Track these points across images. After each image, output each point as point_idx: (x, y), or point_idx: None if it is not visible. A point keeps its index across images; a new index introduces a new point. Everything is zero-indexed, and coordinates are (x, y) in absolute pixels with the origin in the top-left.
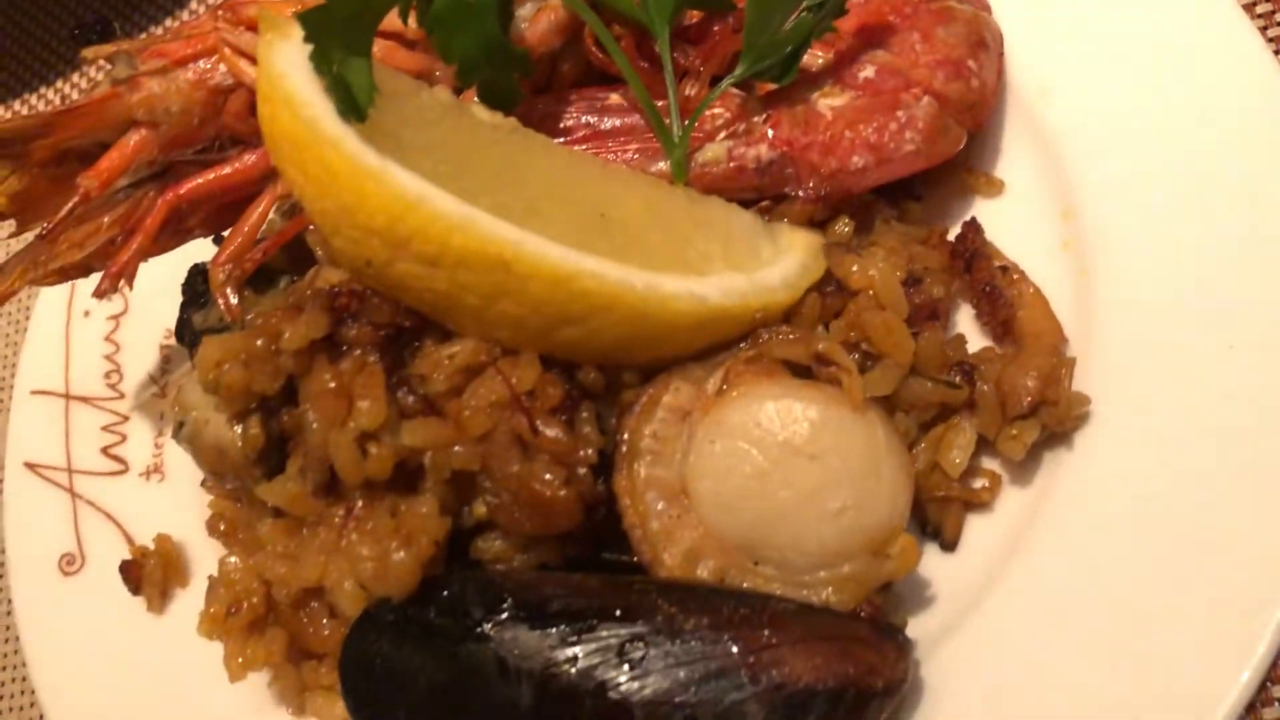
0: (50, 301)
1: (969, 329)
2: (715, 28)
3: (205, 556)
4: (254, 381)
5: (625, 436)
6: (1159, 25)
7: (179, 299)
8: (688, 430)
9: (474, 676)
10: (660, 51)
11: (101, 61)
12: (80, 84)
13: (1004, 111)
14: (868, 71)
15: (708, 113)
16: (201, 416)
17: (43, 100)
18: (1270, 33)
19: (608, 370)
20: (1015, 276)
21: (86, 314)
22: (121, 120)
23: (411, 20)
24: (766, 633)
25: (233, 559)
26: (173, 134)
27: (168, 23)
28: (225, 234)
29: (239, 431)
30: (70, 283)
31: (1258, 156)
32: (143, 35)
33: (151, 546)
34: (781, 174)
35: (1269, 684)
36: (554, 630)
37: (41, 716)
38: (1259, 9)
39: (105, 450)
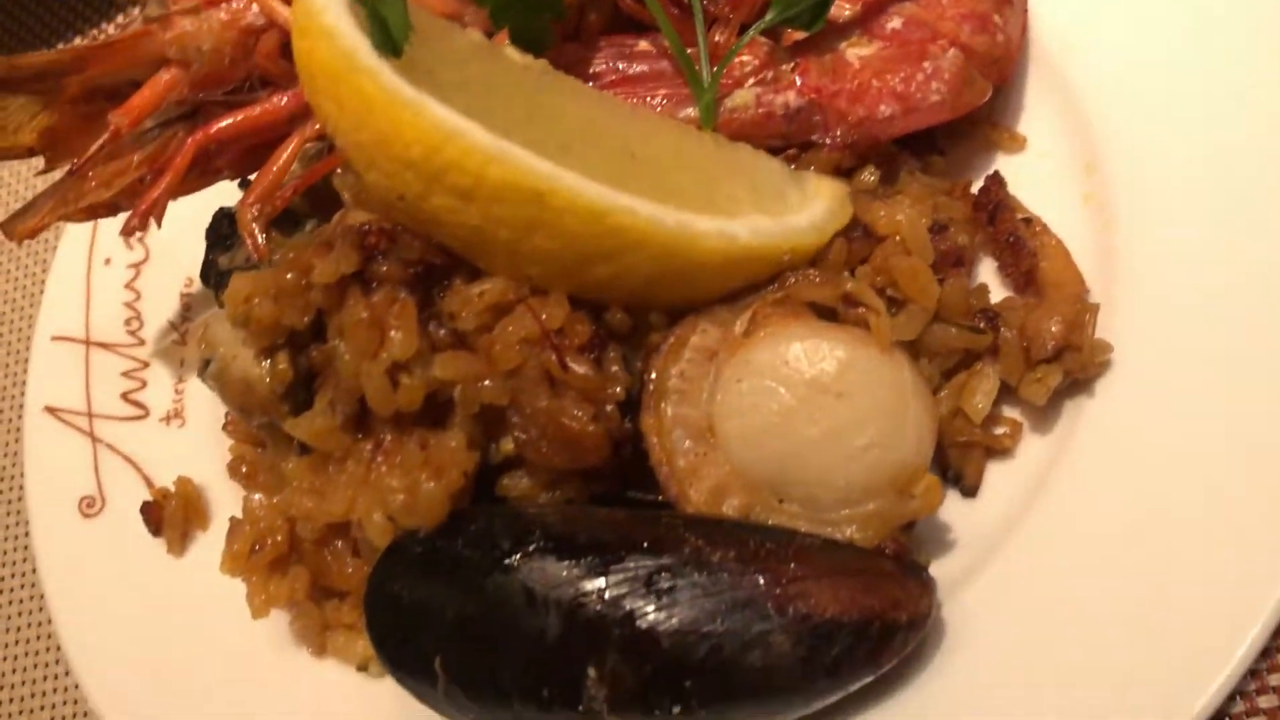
0: (71, 248)
1: (991, 283)
2: None
3: (224, 501)
4: (283, 316)
5: (652, 376)
6: None
7: (200, 248)
8: (714, 370)
9: (501, 607)
10: None
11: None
12: (109, 30)
13: (1027, 67)
14: (895, 23)
15: (736, 60)
16: (229, 352)
17: (81, 40)
18: None
19: (634, 312)
20: (1038, 228)
21: (107, 262)
22: (153, 58)
23: None
24: (792, 566)
25: (257, 496)
26: (203, 73)
27: None
28: (251, 178)
29: (266, 366)
30: (91, 231)
31: None
32: None
33: (172, 489)
34: (809, 121)
35: None
36: (582, 561)
37: (59, 649)
38: None
39: (125, 396)
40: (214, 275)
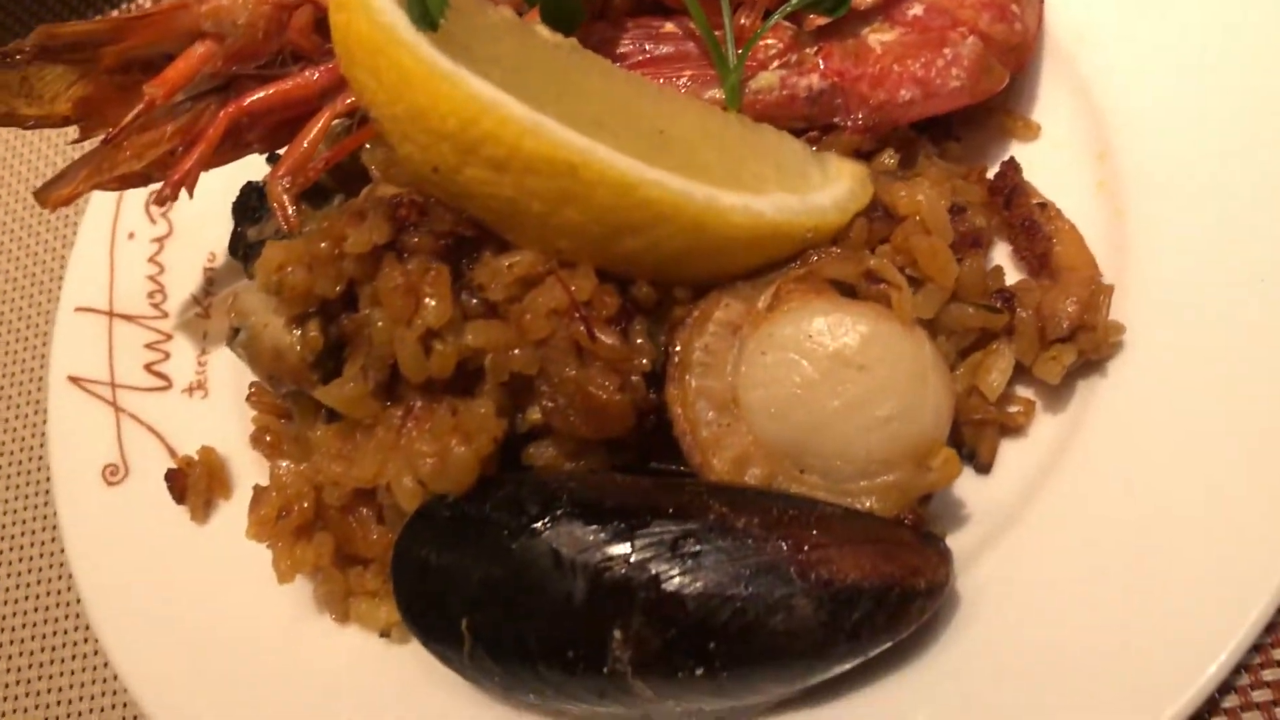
0: (95, 222)
1: (1005, 266)
2: None
3: (246, 471)
4: (316, 285)
5: (677, 349)
6: None
7: (223, 224)
8: (738, 344)
9: (528, 570)
10: None
11: None
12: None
13: (1041, 57)
14: (916, 9)
15: (761, 43)
16: (260, 321)
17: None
18: None
19: (659, 287)
20: (1052, 213)
21: (131, 235)
22: (189, 31)
23: None
24: (815, 533)
25: (285, 464)
26: (237, 46)
27: None
28: (281, 152)
29: (297, 335)
30: (115, 205)
31: None
32: None
33: (196, 458)
34: (831, 104)
35: None
36: (609, 526)
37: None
38: None
39: (148, 367)
40: (242, 247)
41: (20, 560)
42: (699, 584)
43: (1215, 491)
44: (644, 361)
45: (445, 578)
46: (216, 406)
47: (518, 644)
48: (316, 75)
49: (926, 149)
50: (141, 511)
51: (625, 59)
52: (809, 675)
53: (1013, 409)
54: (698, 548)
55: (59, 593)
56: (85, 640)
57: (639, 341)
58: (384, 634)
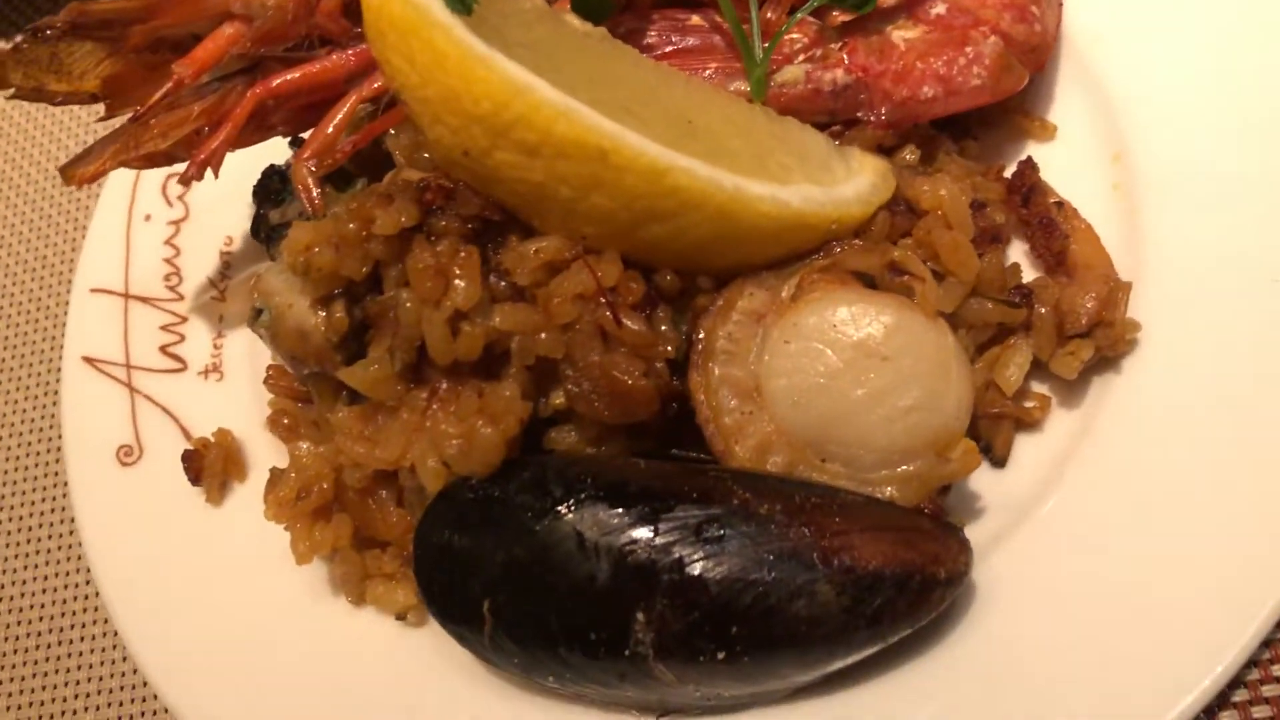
0: (111, 204)
1: (1021, 264)
2: None
3: (261, 454)
4: (342, 265)
5: (701, 336)
6: None
7: (240, 209)
8: (762, 332)
9: (552, 552)
10: None
11: None
12: None
13: (1058, 59)
14: (939, 8)
15: (786, 37)
16: (284, 301)
17: None
18: None
19: (682, 276)
20: (1069, 212)
21: (147, 218)
22: (218, 11)
23: None
24: (837, 520)
25: (304, 445)
26: (266, 29)
27: None
28: (304, 136)
29: (322, 316)
30: (131, 187)
31: None
32: None
33: (212, 440)
34: (855, 99)
35: None
36: (633, 509)
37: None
38: None
39: (164, 349)
40: (264, 229)
41: (29, 541)
42: (723, 568)
43: (1226, 489)
44: (668, 348)
45: (467, 559)
46: (232, 389)
47: (539, 626)
48: (342, 60)
49: (947, 146)
50: (156, 492)
51: (651, 50)
52: (829, 661)
53: (1028, 404)
54: (721, 532)
55: (70, 573)
56: (96, 621)
57: (663, 328)
58: (400, 616)
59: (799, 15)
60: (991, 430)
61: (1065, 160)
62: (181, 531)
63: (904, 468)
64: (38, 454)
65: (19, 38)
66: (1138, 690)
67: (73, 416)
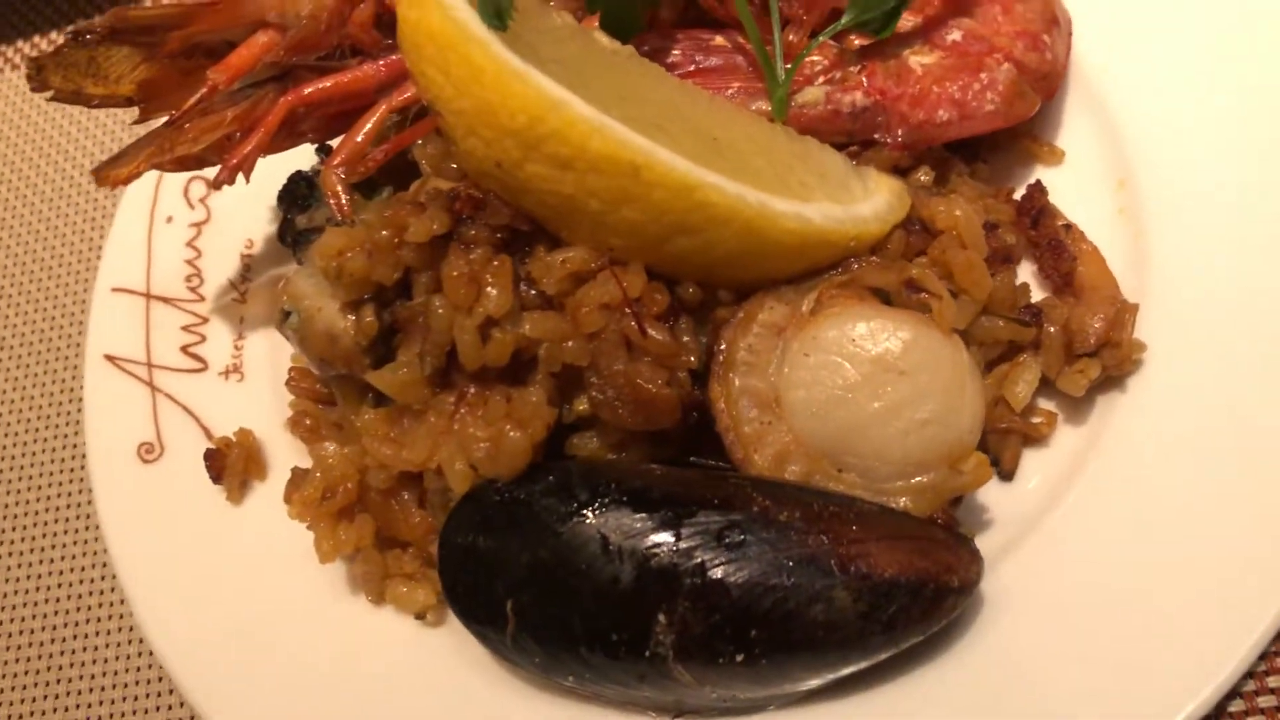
0: (133, 205)
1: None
2: None
3: (280, 455)
4: (374, 271)
5: (722, 347)
6: (1213, 10)
7: (261, 212)
8: (781, 345)
9: (576, 554)
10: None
11: None
12: None
13: (1067, 87)
14: (955, 35)
15: (807, 59)
16: (314, 305)
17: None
18: None
19: (704, 289)
20: (1076, 234)
21: (169, 220)
22: (253, 20)
23: None
24: (854, 528)
25: (330, 446)
26: (299, 38)
27: None
28: (330, 143)
29: (351, 320)
30: (154, 189)
31: None
32: None
33: (233, 439)
34: (873, 120)
35: None
36: (656, 514)
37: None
38: None
39: (185, 349)
40: (291, 234)
41: (50, 535)
42: (743, 573)
43: (1226, 505)
44: (690, 358)
45: (492, 560)
46: (252, 390)
47: (561, 626)
48: (373, 70)
49: (959, 168)
50: (177, 490)
51: (676, 68)
52: (843, 665)
53: (1035, 419)
54: (742, 538)
55: (89, 568)
56: (113, 616)
57: (685, 339)
58: (419, 616)
59: (820, 38)
60: (1000, 445)
61: (1072, 185)
62: (202, 528)
63: (918, 479)
64: (55, 450)
65: (60, 41)
66: (1138, 699)
67: (95, 413)
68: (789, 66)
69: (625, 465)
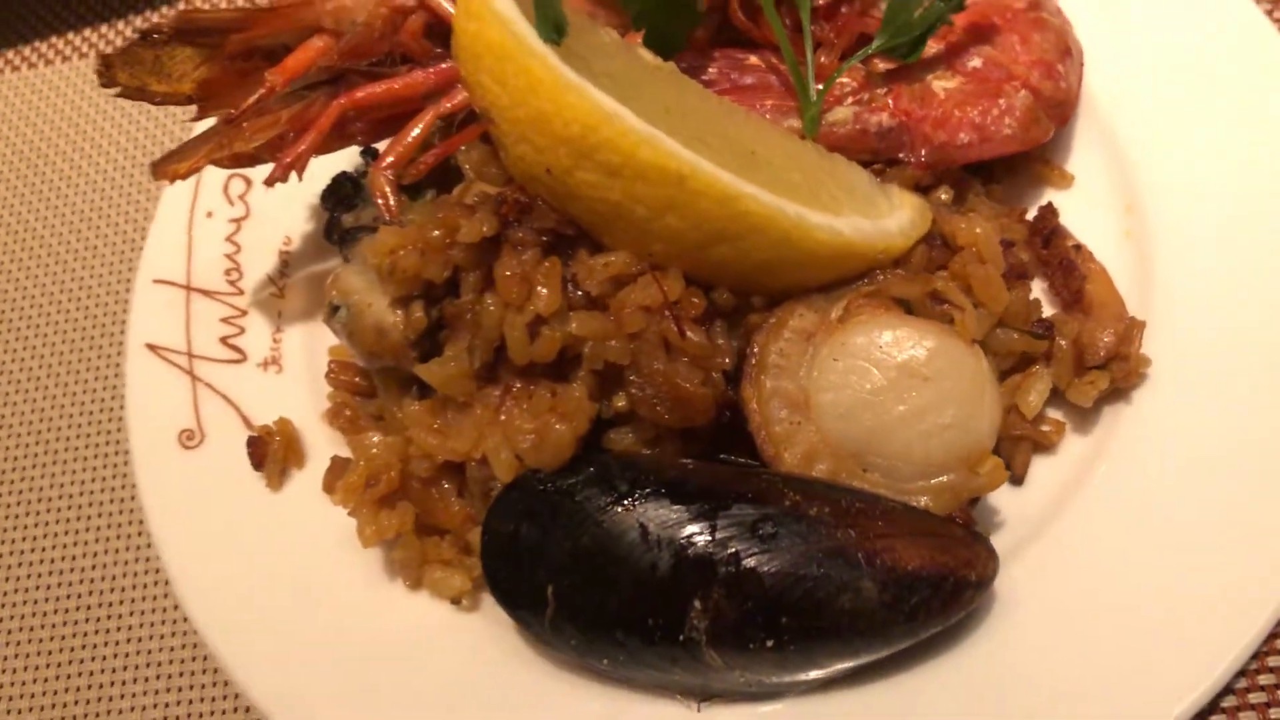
0: (174, 200)
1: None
2: (843, 9)
3: (316, 444)
4: (425, 269)
5: (755, 351)
6: (1217, 46)
7: (298, 210)
8: (811, 350)
9: (616, 542)
10: (802, 21)
11: None
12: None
13: (1077, 114)
14: (975, 62)
15: (837, 80)
16: (364, 300)
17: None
18: None
19: (737, 294)
20: (1085, 254)
21: (209, 215)
22: (310, 25)
23: None
24: (880, 524)
25: (375, 436)
26: (353, 44)
27: None
28: (375, 146)
29: (401, 315)
30: (194, 186)
31: None
32: None
33: (273, 428)
34: (898, 140)
35: None
36: (693, 506)
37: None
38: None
39: (224, 340)
40: (338, 232)
41: (99, 515)
42: (775, 563)
43: (1225, 512)
44: (725, 360)
45: (535, 546)
46: (289, 382)
47: (600, 610)
48: (423, 77)
49: (976, 188)
50: (217, 475)
51: (712, 85)
52: (866, 652)
53: (1045, 428)
54: (775, 530)
55: (135, 549)
56: (158, 596)
57: (720, 341)
58: (455, 601)
59: (852, 61)
60: (1011, 450)
61: (1080, 207)
62: (242, 513)
63: (938, 480)
64: (107, 433)
65: (129, 39)
66: (1136, 690)
67: (136, 400)
68: (820, 87)
69: (662, 459)
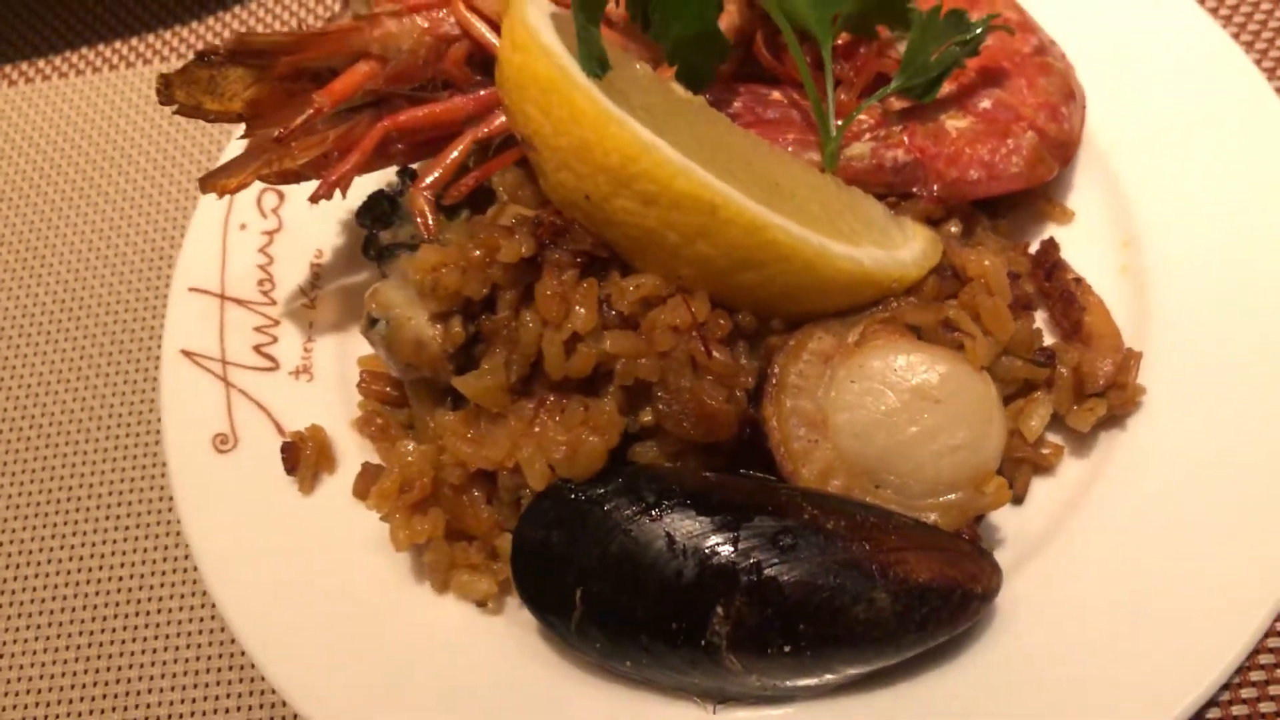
0: (208, 212)
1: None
2: (861, 49)
3: (345, 450)
4: (465, 286)
5: (775, 371)
6: (1208, 92)
7: (329, 225)
8: (829, 372)
9: (644, 549)
10: (824, 59)
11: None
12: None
13: (1079, 154)
14: (986, 103)
15: (856, 117)
16: (404, 314)
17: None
18: None
19: (759, 317)
20: (1085, 287)
21: (243, 227)
22: (357, 50)
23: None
24: (892, 538)
25: (410, 444)
26: (398, 69)
27: None
28: (413, 166)
29: (439, 329)
30: (228, 199)
31: None
32: None
33: (305, 434)
34: (912, 175)
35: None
36: (717, 517)
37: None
38: None
39: (257, 348)
40: (375, 249)
41: (130, 515)
42: (795, 573)
43: (1214, 532)
44: (748, 379)
45: (564, 552)
46: (320, 389)
47: (626, 615)
48: (464, 102)
49: (983, 222)
50: (250, 478)
51: (737, 118)
52: (878, 659)
53: (1045, 450)
54: (794, 541)
55: (169, 547)
56: (194, 594)
57: (742, 361)
58: (481, 604)
59: (871, 100)
60: (1012, 471)
61: (1080, 242)
62: (274, 515)
63: (947, 497)
64: (138, 435)
65: (188, 61)
66: (1130, 698)
67: (172, 403)
68: (840, 123)
69: (687, 472)
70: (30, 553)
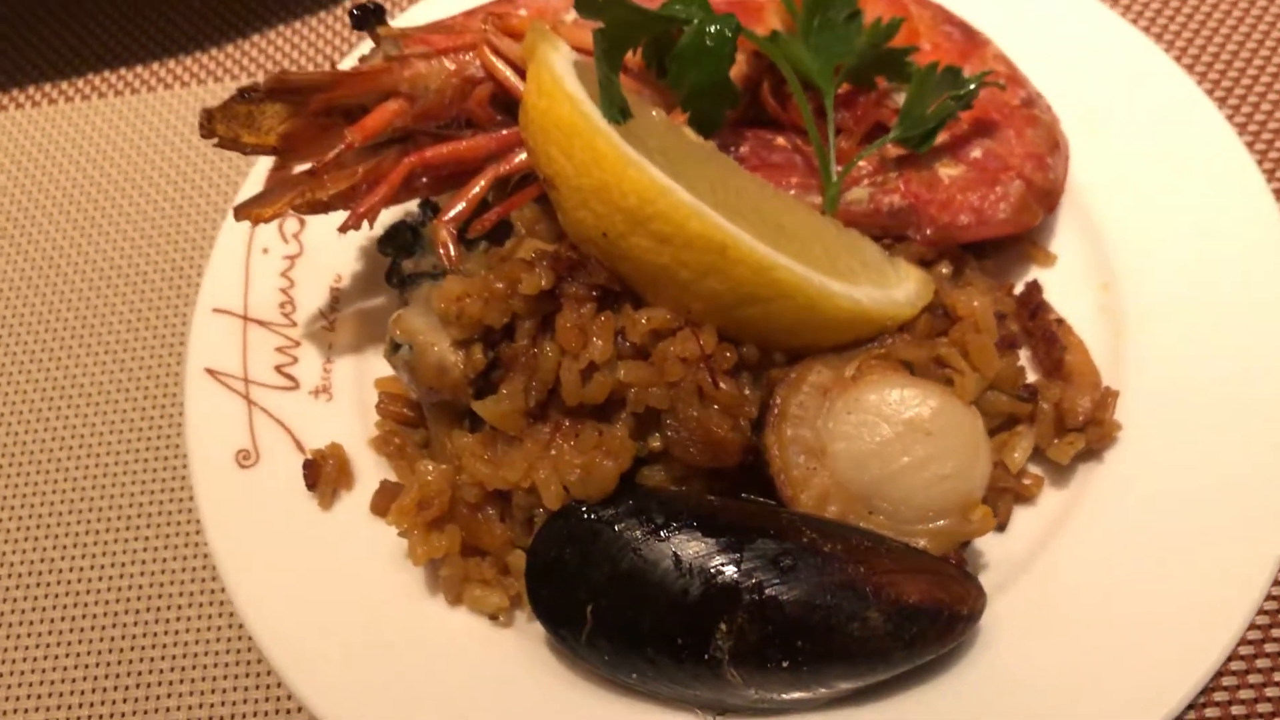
0: (231, 236)
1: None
2: (860, 99)
3: (364, 468)
4: (487, 315)
5: (777, 402)
6: (1183, 144)
7: (348, 252)
8: (827, 403)
9: (653, 567)
10: (826, 108)
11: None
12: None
13: (1062, 203)
14: (977, 153)
15: (856, 164)
16: (427, 340)
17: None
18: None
19: (762, 350)
20: (1066, 328)
21: (265, 251)
22: (387, 89)
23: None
24: (885, 561)
25: (429, 464)
26: (425, 108)
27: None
28: (435, 199)
29: (461, 355)
30: (250, 225)
31: (1266, 256)
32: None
33: (326, 451)
34: (907, 219)
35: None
36: (722, 539)
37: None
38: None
39: (278, 368)
40: (398, 277)
41: (152, 526)
42: (794, 592)
43: (1182, 561)
44: (751, 409)
45: (576, 569)
46: (339, 409)
47: (634, 629)
48: (486, 141)
49: (972, 264)
50: (271, 494)
51: (744, 162)
52: (870, 674)
53: (1026, 481)
54: (794, 563)
55: (189, 558)
56: (215, 603)
57: (746, 392)
58: (493, 617)
59: (871, 149)
60: (996, 500)
61: (1062, 284)
62: (294, 529)
63: (936, 524)
64: (163, 457)
65: (230, 97)
66: (1104, 714)
67: (195, 420)
68: (841, 169)
69: (693, 496)
70: (59, 569)
